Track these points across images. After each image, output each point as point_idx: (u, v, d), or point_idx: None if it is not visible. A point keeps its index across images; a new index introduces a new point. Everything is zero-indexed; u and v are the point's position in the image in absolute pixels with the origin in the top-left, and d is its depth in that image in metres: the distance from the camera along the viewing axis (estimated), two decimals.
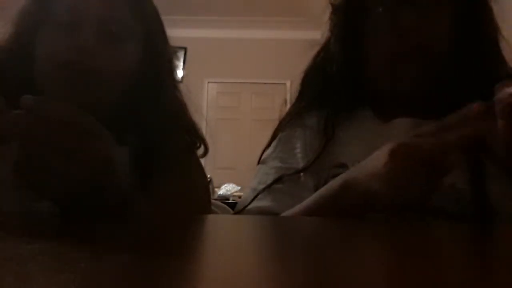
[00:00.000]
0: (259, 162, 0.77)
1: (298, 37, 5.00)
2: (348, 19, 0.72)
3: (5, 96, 0.61)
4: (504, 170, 0.56)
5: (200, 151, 0.77)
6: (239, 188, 3.36)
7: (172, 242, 0.36)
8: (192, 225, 0.49)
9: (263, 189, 0.70)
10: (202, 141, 0.77)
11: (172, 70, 0.77)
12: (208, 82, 5.36)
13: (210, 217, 0.64)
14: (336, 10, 0.75)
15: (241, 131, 5.39)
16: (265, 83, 5.35)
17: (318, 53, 0.79)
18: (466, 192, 0.60)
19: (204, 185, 0.79)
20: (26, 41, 0.67)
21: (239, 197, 3.23)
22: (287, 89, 5.21)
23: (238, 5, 4.61)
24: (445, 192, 0.59)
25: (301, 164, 0.70)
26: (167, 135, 0.68)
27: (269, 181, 0.70)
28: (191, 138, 0.76)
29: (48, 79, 0.66)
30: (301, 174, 0.69)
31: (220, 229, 0.48)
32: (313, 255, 0.32)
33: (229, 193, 3.27)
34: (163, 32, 0.76)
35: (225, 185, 3.38)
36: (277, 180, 0.69)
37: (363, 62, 0.70)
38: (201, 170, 0.77)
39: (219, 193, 3.26)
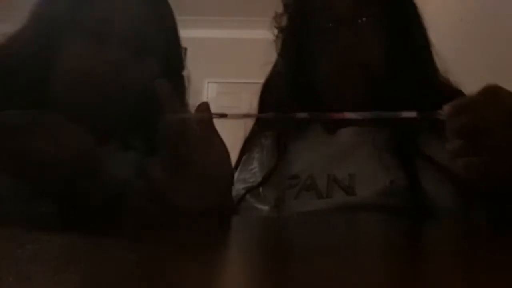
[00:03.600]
0: None
1: None
2: (293, 39, 0.76)
3: (13, 94, 0.62)
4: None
5: None
6: None
7: (173, 243, 0.36)
8: (193, 225, 0.49)
9: None
10: None
11: (185, 87, 0.77)
12: (208, 82, 5.35)
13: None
14: (281, 31, 0.79)
15: (241, 131, 5.38)
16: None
17: (272, 69, 0.83)
18: (405, 187, 0.63)
19: None
20: (47, 45, 0.65)
21: None
22: None
23: (238, 5, 4.61)
24: (386, 188, 0.63)
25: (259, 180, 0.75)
26: None
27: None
28: None
29: (68, 86, 0.64)
30: (260, 189, 0.73)
31: (222, 230, 0.48)
32: (312, 256, 0.32)
33: None
34: (180, 47, 0.76)
35: None
36: (241, 200, 0.73)
37: (307, 79, 0.74)
38: None
39: None
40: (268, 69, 0.85)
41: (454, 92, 0.73)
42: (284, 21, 0.79)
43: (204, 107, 0.48)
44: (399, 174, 0.64)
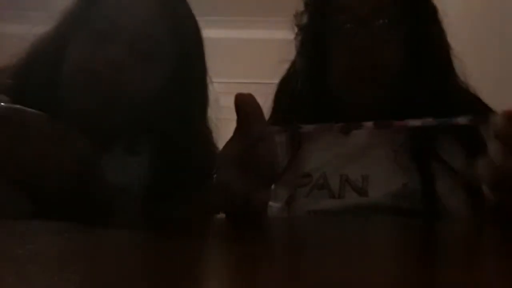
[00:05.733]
0: None
1: None
2: (312, 38, 0.77)
3: (31, 94, 0.62)
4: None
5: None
6: None
7: (176, 243, 0.36)
8: (193, 225, 0.49)
9: None
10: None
11: (206, 96, 0.76)
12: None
13: (216, 217, 0.64)
14: (301, 30, 0.79)
15: None
16: (265, 83, 5.34)
17: (289, 68, 0.84)
18: (418, 190, 0.64)
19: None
20: (62, 43, 0.65)
21: None
22: None
23: (239, 5, 4.60)
24: (399, 191, 0.64)
25: None
26: (189, 157, 0.68)
27: None
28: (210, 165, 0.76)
29: (71, 82, 0.64)
30: (273, 186, 0.72)
31: (224, 229, 0.48)
32: (321, 256, 0.32)
33: None
34: (201, 53, 0.75)
35: None
36: None
37: (325, 78, 0.75)
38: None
39: None
40: (276, 69, 0.86)
41: (471, 98, 0.73)
42: (304, 20, 0.79)
43: None
44: (413, 177, 0.65)
